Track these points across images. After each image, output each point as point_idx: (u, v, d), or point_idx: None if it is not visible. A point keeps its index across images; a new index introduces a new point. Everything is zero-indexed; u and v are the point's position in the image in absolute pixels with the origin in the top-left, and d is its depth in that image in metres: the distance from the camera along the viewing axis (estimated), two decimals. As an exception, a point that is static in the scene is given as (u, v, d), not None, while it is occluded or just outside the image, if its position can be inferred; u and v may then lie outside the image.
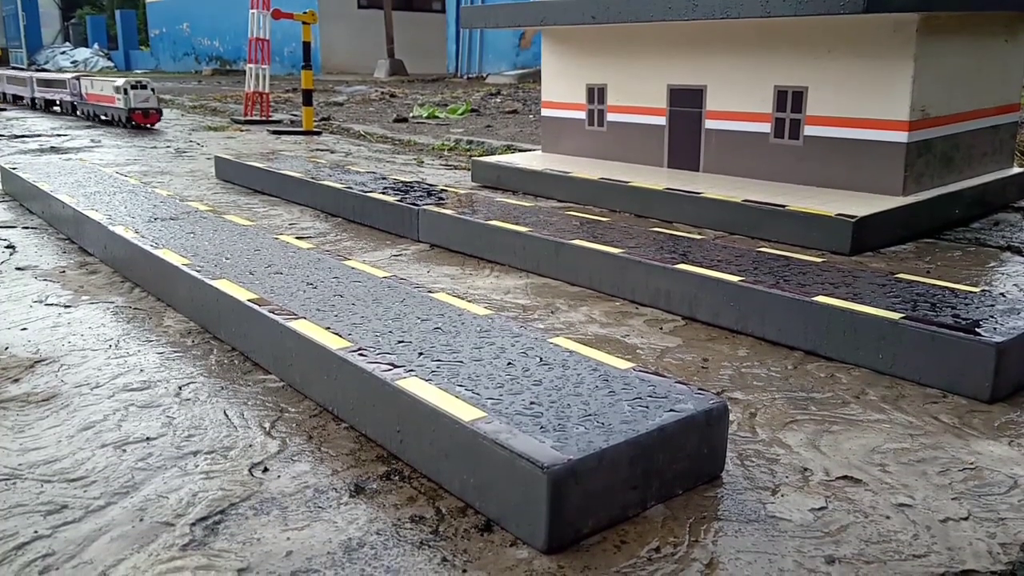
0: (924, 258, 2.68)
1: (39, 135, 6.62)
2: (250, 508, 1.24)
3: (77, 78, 7.91)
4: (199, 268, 2.08)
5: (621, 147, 3.95)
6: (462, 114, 8.12)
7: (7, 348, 1.91)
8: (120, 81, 6.87)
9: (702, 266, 2.15)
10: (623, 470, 1.19)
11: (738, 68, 3.41)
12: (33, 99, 9.37)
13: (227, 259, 2.18)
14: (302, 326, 1.64)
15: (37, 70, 10.04)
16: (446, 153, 5.64)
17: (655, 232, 2.60)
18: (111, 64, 24.84)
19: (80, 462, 1.38)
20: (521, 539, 1.16)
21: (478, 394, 1.33)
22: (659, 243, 2.43)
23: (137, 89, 6.75)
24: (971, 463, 1.39)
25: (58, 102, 8.62)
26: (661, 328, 2.07)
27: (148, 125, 6.86)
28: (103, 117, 7.38)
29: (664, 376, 1.42)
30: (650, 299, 2.22)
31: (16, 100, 10.30)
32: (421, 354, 1.50)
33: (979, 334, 1.64)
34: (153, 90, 6.85)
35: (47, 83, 8.89)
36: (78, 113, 8.10)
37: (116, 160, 5.12)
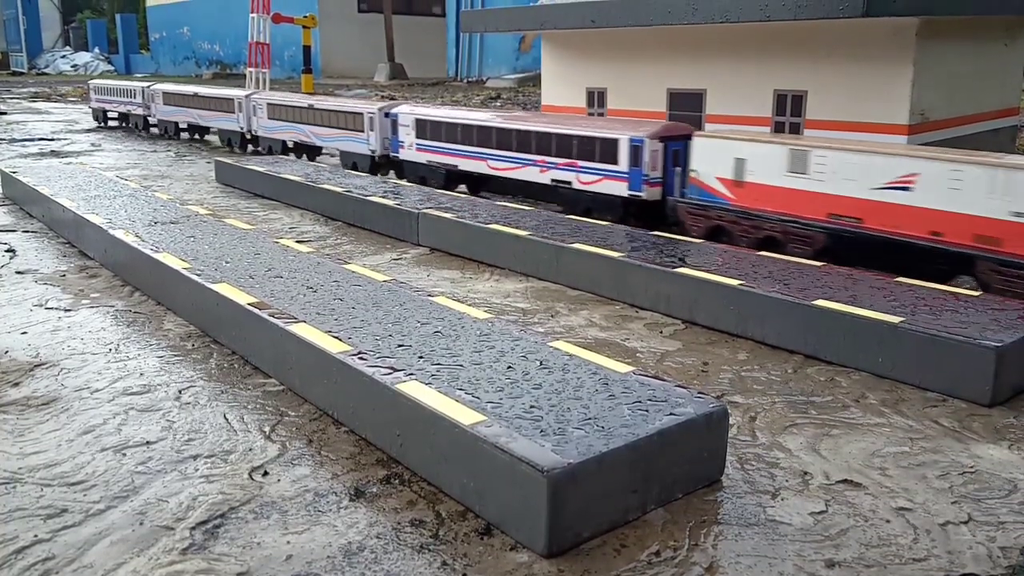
0: (924, 262, 2.68)
1: (40, 139, 6.62)
2: (250, 512, 1.25)
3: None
4: (199, 272, 2.08)
5: (621, 151, 3.95)
6: (462, 118, 8.10)
7: (7, 352, 1.91)
8: None
9: (702, 270, 2.15)
10: (623, 474, 1.19)
11: (738, 72, 3.41)
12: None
13: (227, 263, 2.18)
14: (302, 330, 1.65)
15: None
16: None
17: (655, 236, 2.60)
18: (111, 68, 24.86)
19: (80, 466, 1.38)
20: (521, 543, 1.16)
21: (478, 398, 1.33)
22: (659, 247, 2.43)
23: None
24: (971, 467, 1.39)
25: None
26: (661, 332, 2.07)
27: None
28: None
29: (664, 380, 1.42)
30: (650, 303, 2.22)
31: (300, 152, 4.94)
32: (421, 358, 1.50)
33: (979, 338, 1.64)
34: None
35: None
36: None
37: (116, 164, 5.13)
